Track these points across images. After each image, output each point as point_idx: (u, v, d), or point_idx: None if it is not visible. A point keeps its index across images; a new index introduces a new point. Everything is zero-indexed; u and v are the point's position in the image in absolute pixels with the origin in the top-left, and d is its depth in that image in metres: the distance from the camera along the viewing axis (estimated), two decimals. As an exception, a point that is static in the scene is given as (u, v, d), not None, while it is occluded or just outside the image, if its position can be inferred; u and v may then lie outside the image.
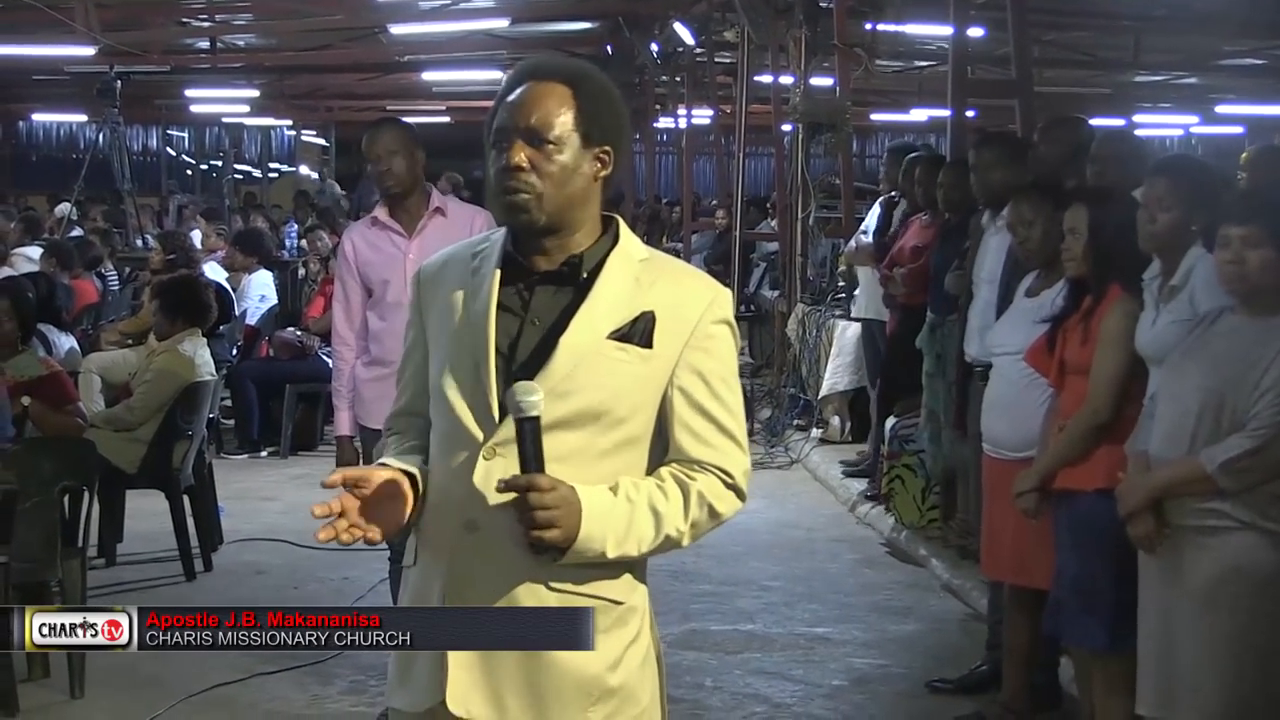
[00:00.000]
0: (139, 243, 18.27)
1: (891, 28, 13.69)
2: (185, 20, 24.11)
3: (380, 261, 6.45)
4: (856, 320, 11.60)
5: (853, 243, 11.51)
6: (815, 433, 12.70)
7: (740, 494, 3.24)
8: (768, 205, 23.45)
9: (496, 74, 30.78)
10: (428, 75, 30.28)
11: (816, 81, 14.56)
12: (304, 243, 20.38)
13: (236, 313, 13.24)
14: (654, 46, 23.03)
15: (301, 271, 17.12)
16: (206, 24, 24.73)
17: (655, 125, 29.46)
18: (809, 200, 14.31)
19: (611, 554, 3.09)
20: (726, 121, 22.08)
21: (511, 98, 3.19)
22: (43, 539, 6.70)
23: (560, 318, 3.16)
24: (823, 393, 12.48)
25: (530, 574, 3.12)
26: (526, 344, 3.16)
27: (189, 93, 31.41)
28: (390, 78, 31.94)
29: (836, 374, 12.23)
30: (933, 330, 8.57)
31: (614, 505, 3.10)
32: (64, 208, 21.28)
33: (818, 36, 13.63)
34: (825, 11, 13.62)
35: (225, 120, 38.48)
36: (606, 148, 3.20)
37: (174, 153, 41.60)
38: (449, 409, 3.19)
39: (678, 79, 24.32)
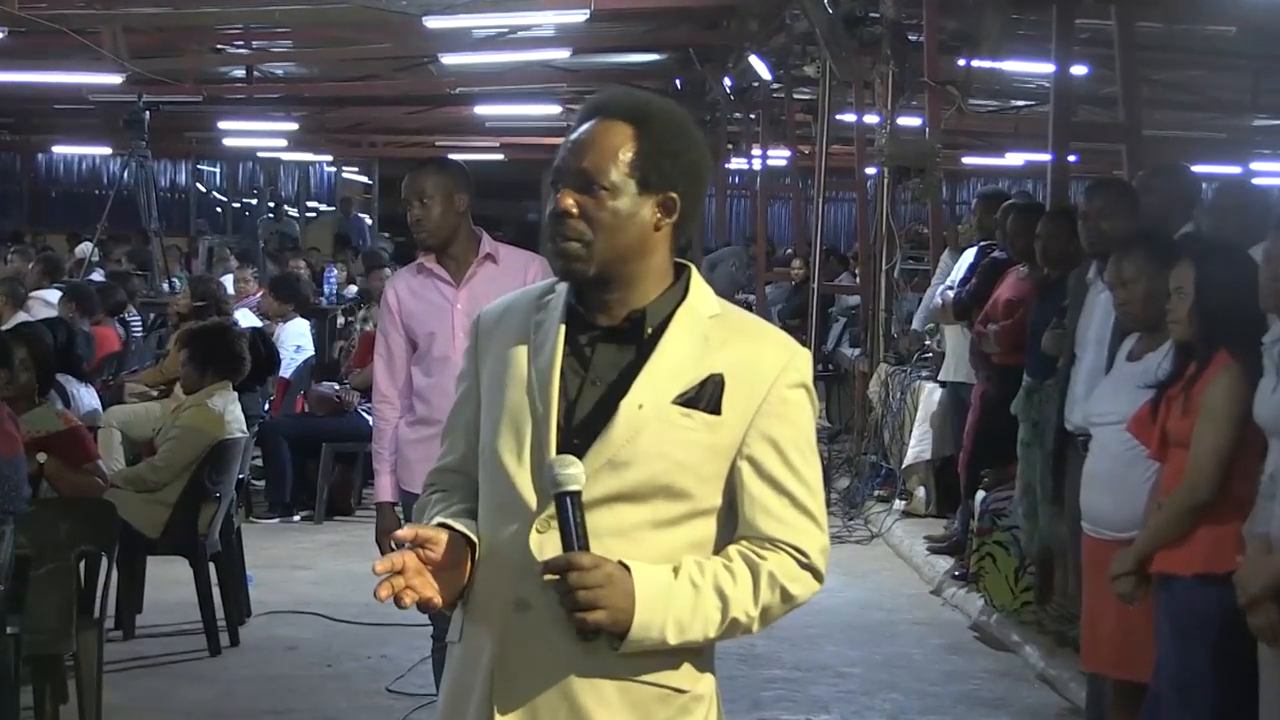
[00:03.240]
0: (165, 287, 18.41)
1: (987, 64, 13.68)
2: (220, 47, 24.32)
3: (425, 312, 6.45)
4: (944, 383, 11.56)
5: (938, 299, 11.46)
6: (898, 505, 12.66)
7: (817, 575, 3.22)
8: (849, 256, 23.45)
9: (554, 109, 30.96)
10: (480, 109, 30.42)
11: (904, 121, 14.60)
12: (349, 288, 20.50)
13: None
14: (727, 81, 23.06)
15: (341, 320, 17.22)
16: (243, 51, 24.93)
17: (727, 166, 29.47)
18: (894, 250, 14.32)
19: (673, 640, 3.07)
20: (805, 163, 22.12)
21: (573, 136, 3.21)
22: (57, 609, 6.74)
23: (621, 379, 3.16)
24: (907, 461, 12.43)
25: (585, 659, 3.09)
26: (584, 406, 3.16)
27: (222, 125, 31.64)
28: (440, 111, 32.12)
29: (922, 441, 12.19)
30: (1029, 395, 8.54)
31: (674, 587, 3.07)
32: (85, 248, 21.45)
33: (906, 73, 13.63)
34: (915, 46, 13.62)
35: (260, 155, 38.78)
36: (671, 194, 3.17)
37: (204, 189, 41.92)
38: (502, 474, 3.18)
39: (752, 116, 24.36)
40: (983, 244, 10.92)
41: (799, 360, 3.22)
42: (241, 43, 24.28)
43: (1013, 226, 9.91)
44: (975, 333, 10.12)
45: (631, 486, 3.10)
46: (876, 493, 13.21)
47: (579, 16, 18.76)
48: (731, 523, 3.20)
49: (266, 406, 13.23)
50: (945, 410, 11.65)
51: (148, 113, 19.25)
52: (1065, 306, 7.99)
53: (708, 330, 3.18)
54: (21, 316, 12.38)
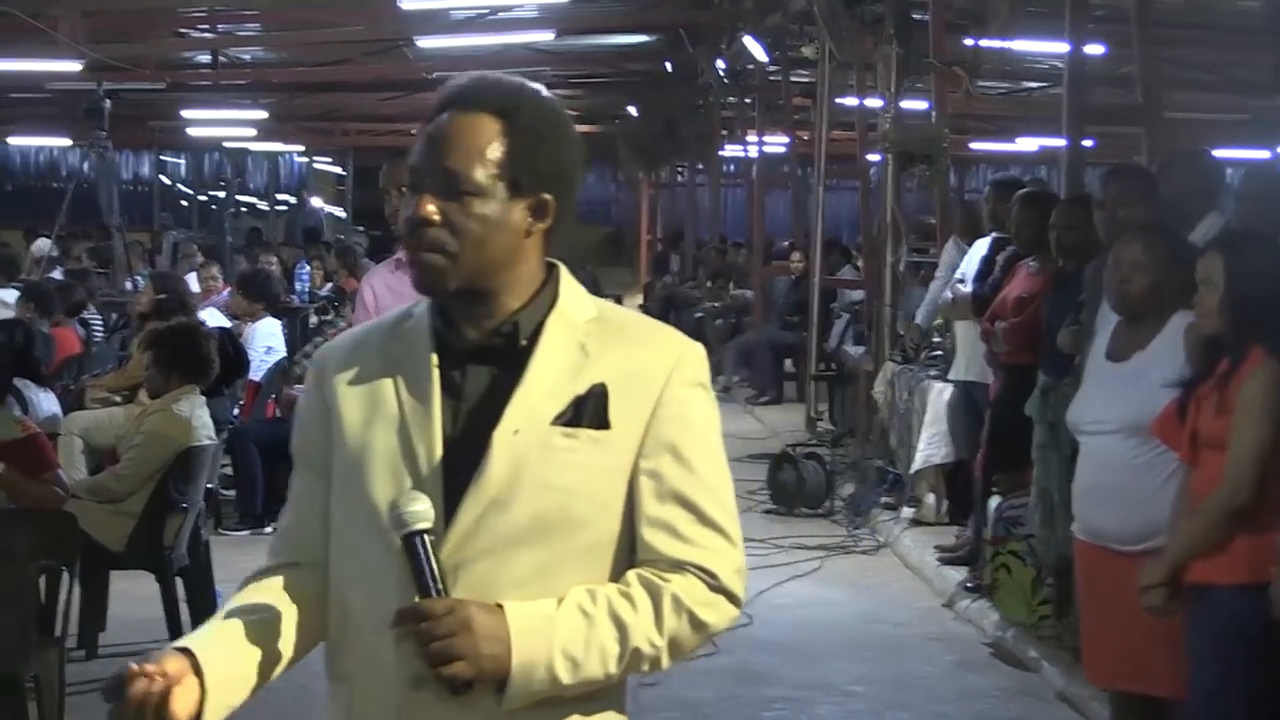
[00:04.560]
0: (128, 285, 18.35)
1: (997, 44, 13.66)
2: (183, 31, 24.30)
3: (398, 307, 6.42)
4: (954, 382, 11.54)
5: (948, 292, 11.44)
6: (906, 512, 12.63)
7: (733, 599, 2.97)
8: (851, 248, 23.45)
9: (539, 94, 30.91)
10: (459, 95, 30.36)
11: (909, 105, 14.56)
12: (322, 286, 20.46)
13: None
14: (720, 64, 23.07)
15: (314, 320, 17.17)
16: (208, 35, 24.92)
17: (721, 154, 29.47)
18: (900, 242, 14.30)
19: (567, 678, 2.84)
20: (804, 150, 22.13)
21: (432, 130, 2.97)
22: (15, 626, 6.72)
23: (493, 405, 2.94)
24: (915, 466, 12.40)
25: None
26: (464, 441, 2.94)
27: (186, 114, 31.67)
28: (417, 97, 32.02)
29: (931, 444, 12.15)
30: (1045, 395, 8.51)
31: (557, 618, 2.84)
32: (43, 244, 21.41)
33: (910, 54, 13.63)
34: (919, 25, 13.61)
35: (227, 145, 38.76)
36: (544, 196, 2.97)
37: (168, 182, 41.93)
38: (379, 534, 2.91)
39: (748, 101, 24.35)
40: (996, 235, 10.88)
41: (692, 357, 3.02)
42: (206, 26, 24.29)
43: (1019, 216, 9.90)
44: (983, 331, 10.09)
45: (521, 527, 2.88)
46: (883, 500, 13.17)
47: (564, -4, 18.76)
48: (632, 552, 2.98)
49: (236, 411, 13.18)
50: (956, 411, 11.61)
51: (108, 101, 19.16)
52: (1082, 301, 7.96)
53: (583, 337, 2.98)
54: (-24, 318, 12.34)
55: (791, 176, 24.46)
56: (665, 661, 2.94)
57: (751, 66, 21.75)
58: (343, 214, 42.22)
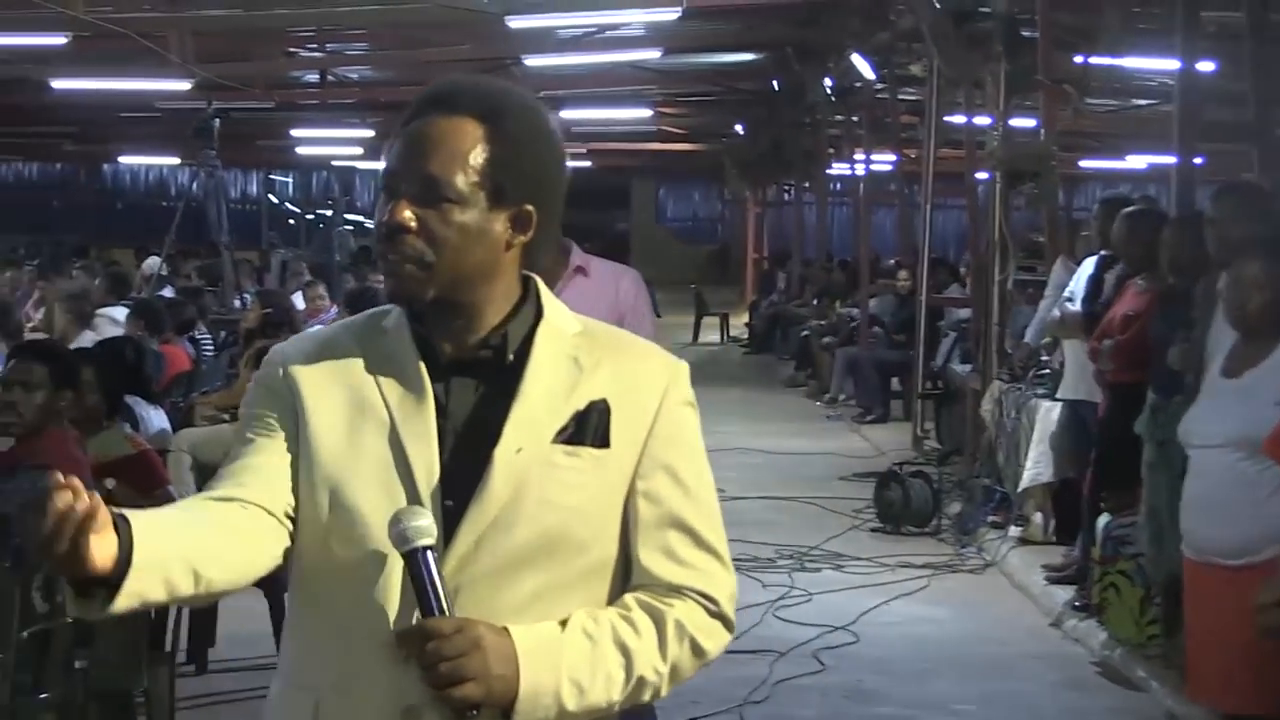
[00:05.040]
0: (237, 303, 18.52)
1: (1106, 61, 13.60)
2: (292, 51, 24.48)
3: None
4: (1063, 401, 11.49)
5: (1056, 311, 11.40)
6: (1014, 531, 12.57)
7: (728, 624, 2.88)
8: (958, 266, 23.36)
9: (645, 112, 31.07)
10: (566, 114, 30.45)
11: (1017, 122, 14.52)
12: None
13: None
14: (828, 81, 23.06)
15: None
16: (316, 54, 25.10)
17: (828, 172, 29.44)
18: (1007, 260, 14.25)
19: (572, 705, 2.70)
20: (911, 168, 22.09)
21: (412, 131, 2.81)
22: (127, 643, 6.78)
23: (484, 421, 2.79)
24: (1023, 485, 12.35)
25: None
26: (451, 459, 2.78)
27: (294, 132, 31.90)
28: (523, 116, 32.13)
29: (1039, 463, 12.10)
30: (1154, 413, 8.47)
31: (564, 642, 2.71)
32: (153, 263, 21.63)
33: (1019, 71, 13.57)
34: (1028, 43, 13.56)
35: (335, 164, 39.01)
36: (527, 207, 2.81)
37: (276, 200, 42.23)
38: (370, 547, 2.74)
39: (855, 119, 24.34)
40: (1104, 254, 10.83)
41: (681, 375, 2.93)
42: (315, 46, 24.45)
43: (1125, 235, 9.85)
44: (1089, 350, 10.06)
45: (522, 549, 2.74)
46: (990, 518, 13.11)
47: (671, 14, 18.78)
48: (624, 575, 2.87)
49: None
50: (1064, 430, 11.55)
51: (217, 120, 19.38)
52: (1194, 318, 7.92)
53: (574, 350, 2.86)
54: (88, 335, 12.50)
55: (898, 194, 24.39)
56: (665, 689, 2.81)
57: (859, 84, 21.71)
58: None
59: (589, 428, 2.79)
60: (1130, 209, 10.48)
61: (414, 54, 24.38)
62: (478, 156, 2.76)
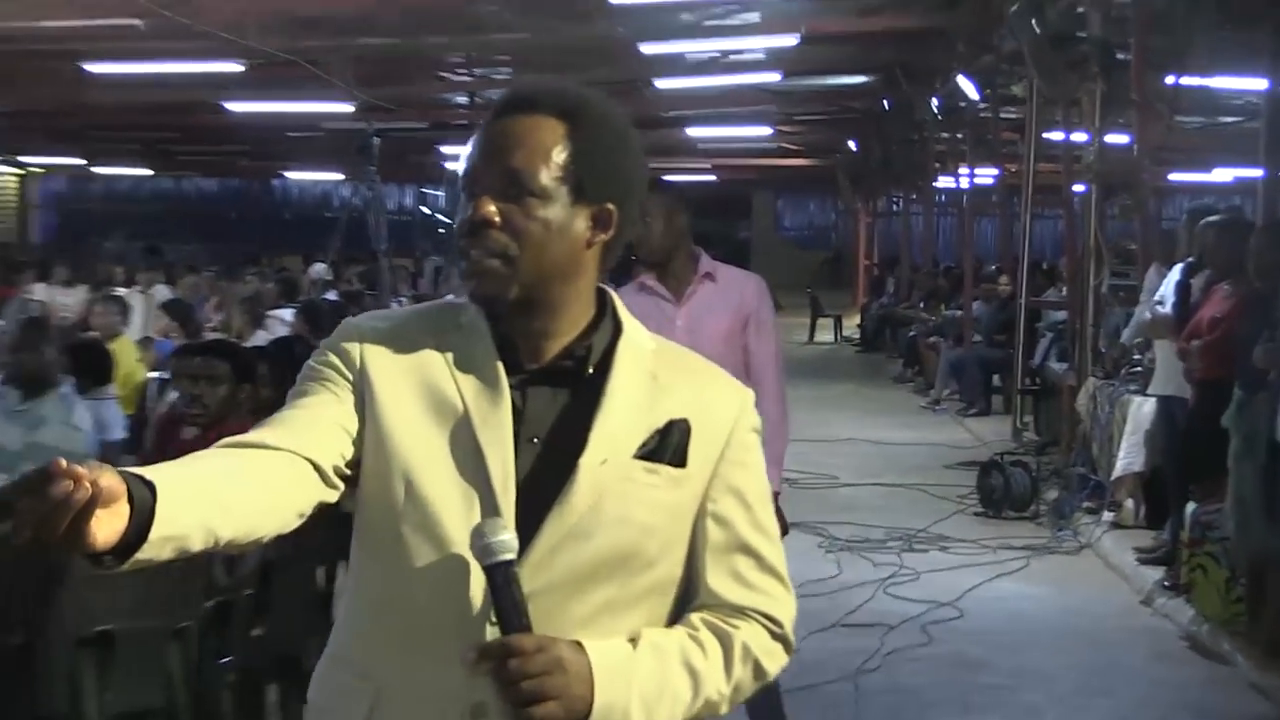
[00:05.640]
0: (394, 305, 18.68)
1: (1195, 81, 13.46)
2: (443, 75, 24.65)
3: (648, 327, 6.46)
4: (1154, 396, 11.40)
5: (1148, 313, 11.33)
6: (1107, 516, 12.48)
7: (788, 646, 2.70)
8: (1056, 272, 23.21)
9: (765, 130, 31.01)
10: (693, 131, 30.56)
11: (1112, 138, 14.41)
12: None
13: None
14: (934, 101, 22.96)
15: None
16: (465, 78, 25.26)
17: (934, 184, 29.32)
18: (1102, 266, 14.16)
19: None
20: (1012, 181, 21.98)
21: (492, 132, 2.60)
22: (300, 614, 6.86)
23: (565, 431, 2.57)
24: (1115, 473, 12.26)
25: None
26: (524, 466, 2.55)
27: (445, 149, 32.07)
28: (654, 133, 32.22)
29: (1131, 453, 12.02)
30: (1241, 408, 8.40)
31: (636, 661, 2.51)
32: (319, 268, 21.90)
33: (1114, 90, 13.48)
34: (1122, 64, 13.46)
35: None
36: (608, 206, 2.60)
37: (429, 212, 42.51)
38: (440, 543, 2.52)
39: (959, 136, 24.21)
40: (1190, 261, 10.74)
41: (750, 402, 2.73)
42: (464, 71, 24.61)
43: (1214, 242, 9.79)
44: (1179, 349, 9.99)
45: (596, 561, 2.53)
46: (1085, 504, 13.02)
47: (790, 40, 18.80)
48: (685, 593, 2.67)
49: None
50: (1155, 423, 11.48)
51: (376, 139, 19.56)
52: (1277, 320, 7.85)
53: (654, 368, 2.64)
54: (261, 334, 12.64)
55: (1000, 205, 24.31)
56: (725, 709, 2.63)
57: (964, 104, 21.60)
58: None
59: (669, 446, 2.59)
60: (1217, 219, 10.41)
61: (554, 77, 24.47)
62: (559, 153, 2.55)
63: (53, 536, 2.07)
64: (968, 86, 19.96)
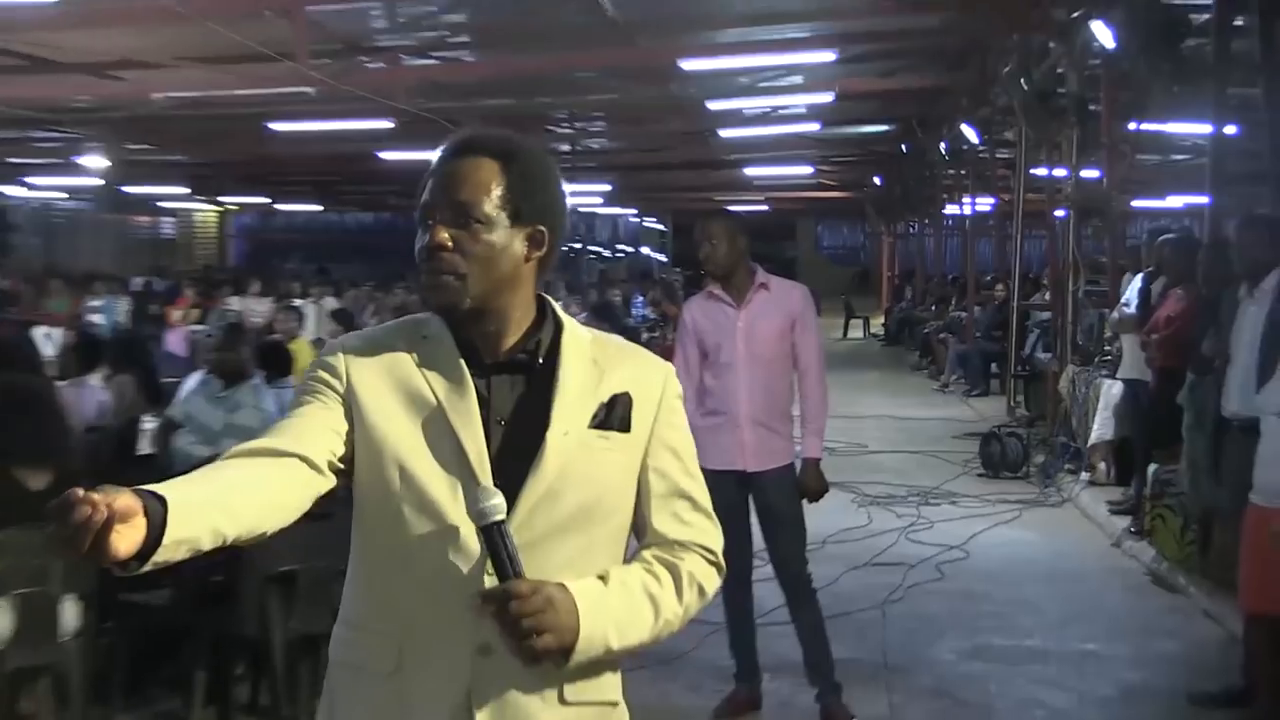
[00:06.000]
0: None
1: (1153, 126, 13.33)
2: (550, 128, 24.73)
3: (714, 328, 6.44)
4: (1121, 380, 11.31)
5: (1116, 313, 11.27)
6: (1084, 476, 12.38)
7: (720, 570, 2.64)
8: (1041, 280, 23.08)
9: (807, 169, 30.83)
10: (749, 171, 30.44)
11: (1086, 173, 14.32)
12: (649, 310, 20.61)
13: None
14: (943, 145, 22.86)
15: (644, 336, 17.33)
16: (568, 130, 25.33)
17: (943, 212, 29.17)
18: (1078, 276, 14.08)
19: (616, 646, 2.47)
20: (1005, 209, 21.79)
21: (440, 171, 2.56)
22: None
23: (525, 412, 2.52)
24: (1091, 441, 12.17)
25: (548, 695, 2.50)
26: (494, 444, 2.50)
27: (553, 188, 32.15)
28: (718, 173, 32.23)
29: (1103, 425, 11.93)
30: (1192, 389, 8.30)
31: (609, 595, 2.47)
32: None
33: (1087, 135, 13.38)
34: (1094, 114, 13.37)
35: (581, 210, 39.27)
36: (540, 227, 2.55)
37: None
38: (436, 514, 2.46)
39: (963, 172, 24.12)
40: (1149, 270, 10.67)
41: (672, 373, 2.68)
42: (567, 124, 24.66)
43: (1169, 256, 9.78)
44: (1141, 342, 9.93)
45: (567, 516, 2.49)
46: (1066, 467, 12.92)
47: (827, 98, 18.74)
48: (636, 537, 2.64)
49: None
50: (1123, 401, 11.40)
51: (498, 180, 19.60)
52: (1220, 319, 7.75)
53: (593, 353, 2.61)
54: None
55: (995, 228, 24.16)
56: (678, 626, 2.58)
57: (966, 147, 21.50)
58: (665, 259, 42.48)
59: (615, 415, 2.56)
60: (1171, 237, 10.34)
61: (639, 129, 24.49)
62: (497, 186, 2.51)
63: (79, 553, 2.02)
64: (969, 133, 19.89)
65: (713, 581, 2.61)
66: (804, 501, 6.37)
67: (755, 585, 6.60)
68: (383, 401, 2.51)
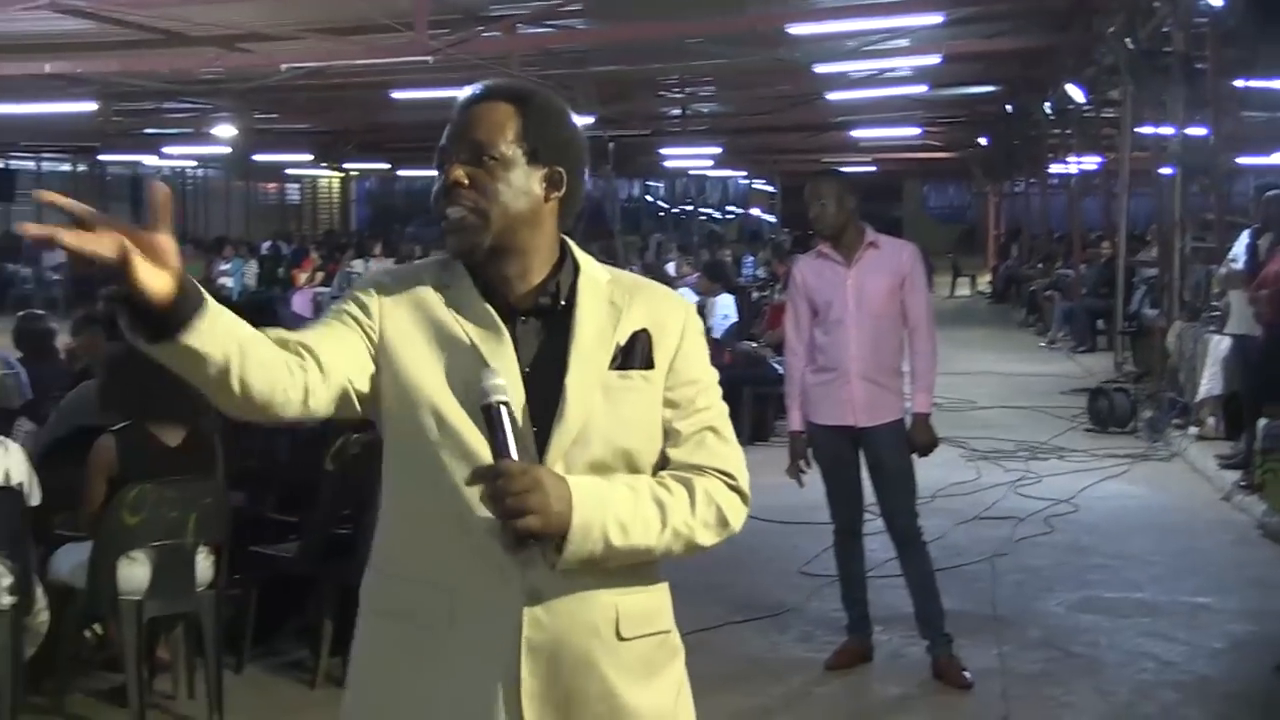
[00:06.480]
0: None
1: (1260, 84, 13.02)
2: (662, 93, 24.68)
3: (824, 286, 6.39)
4: (1229, 335, 11.10)
5: (1224, 269, 11.05)
6: (1192, 431, 12.17)
7: (744, 498, 2.54)
8: (1147, 237, 22.70)
9: (914, 130, 30.56)
10: (856, 132, 30.21)
11: (1192, 131, 14.03)
12: (761, 271, 20.53)
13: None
14: (1048, 105, 22.50)
15: (755, 295, 17.29)
16: (678, 95, 25.26)
17: (1048, 171, 28.76)
18: (1185, 232, 13.84)
19: (617, 542, 2.36)
20: (1111, 167, 21.44)
21: (457, 116, 2.50)
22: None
23: (548, 357, 2.46)
24: (1199, 396, 11.95)
25: (603, 633, 2.43)
26: (530, 390, 2.43)
27: (663, 151, 32.11)
28: (826, 135, 32.00)
29: (1211, 380, 11.71)
30: (1301, 344, 8.13)
31: (612, 490, 2.39)
32: (567, 244, 22.05)
33: (1193, 93, 13.11)
34: (1200, 71, 13.10)
35: (692, 173, 39.20)
36: (558, 168, 2.48)
37: (651, 200, 42.66)
38: (474, 455, 2.37)
39: (1068, 131, 23.70)
40: (1256, 226, 10.45)
41: (693, 310, 2.61)
42: (678, 89, 24.59)
43: (1276, 212, 9.53)
44: (1249, 297, 9.73)
45: (600, 460, 2.42)
46: (1175, 421, 12.70)
47: (933, 60, 18.53)
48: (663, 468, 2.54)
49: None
50: (1230, 356, 11.20)
51: (611, 144, 19.61)
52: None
53: (610, 294, 2.52)
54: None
55: (1101, 186, 23.76)
56: (700, 539, 2.46)
57: (1071, 107, 21.14)
58: (774, 219, 42.34)
59: (636, 354, 2.48)
60: (1275, 193, 10.09)
61: (749, 93, 24.37)
62: (513, 127, 2.44)
63: (100, 263, 1.96)
64: (1075, 92, 19.55)
65: (735, 505, 2.51)
66: (914, 456, 6.32)
67: (866, 538, 6.55)
68: (413, 342, 2.45)
